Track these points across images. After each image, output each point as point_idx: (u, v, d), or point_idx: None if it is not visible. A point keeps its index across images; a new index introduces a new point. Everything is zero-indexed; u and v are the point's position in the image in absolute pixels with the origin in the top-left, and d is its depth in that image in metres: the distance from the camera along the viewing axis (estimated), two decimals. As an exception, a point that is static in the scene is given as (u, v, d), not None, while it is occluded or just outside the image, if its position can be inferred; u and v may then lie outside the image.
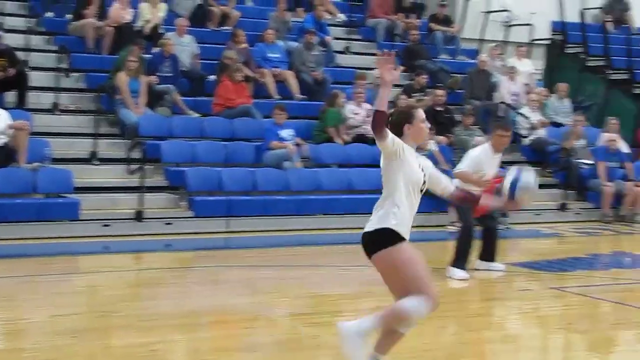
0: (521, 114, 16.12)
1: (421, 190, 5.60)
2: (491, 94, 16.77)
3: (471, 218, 9.60)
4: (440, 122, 15.06)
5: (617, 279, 10.31)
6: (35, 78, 13.84)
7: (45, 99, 13.79)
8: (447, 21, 18.58)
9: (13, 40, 14.23)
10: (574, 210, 14.96)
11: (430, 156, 13.86)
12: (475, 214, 9.69)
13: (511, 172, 6.03)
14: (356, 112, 14.69)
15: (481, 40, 18.78)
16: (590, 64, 19.58)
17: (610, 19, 20.49)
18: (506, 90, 16.79)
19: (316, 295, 8.98)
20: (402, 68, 14.79)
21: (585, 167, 14.99)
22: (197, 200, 12.59)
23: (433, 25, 18.34)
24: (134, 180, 12.57)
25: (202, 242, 11.82)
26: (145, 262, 10.99)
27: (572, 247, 13.01)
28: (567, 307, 8.68)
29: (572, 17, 19.93)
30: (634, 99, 18.49)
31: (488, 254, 10.01)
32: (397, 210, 5.48)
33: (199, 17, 16.33)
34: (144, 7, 15.44)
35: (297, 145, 13.69)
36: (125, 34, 14.76)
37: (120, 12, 15.00)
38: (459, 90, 16.98)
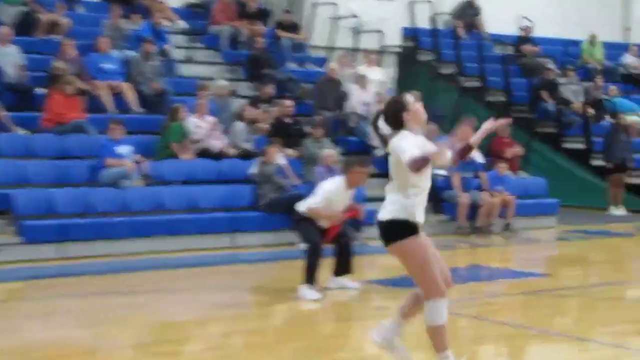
0: (373, 124, 16.38)
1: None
2: (341, 104, 16.99)
3: (316, 236, 9.77)
4: (289, 135, 15.18)
5: (475, 293, 10.60)
6: None
7: None
8: (294, 28, 18.74)
9: None
10: (430, 223, 15.30)
11: (279, 170, 13.99)
12: (326, 240, 9.86)
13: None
14: (199, 126, 14.64)
15: (330, 48, 19.05)
16: (442, 71, 20.18)
17: (461, 25, 21.17)
18: (357, 99, 17.04)
19: (161, 323, 8.88)
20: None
21: (440, 177, 15.41)
22: (26, 225, 12.25)
23: (279, 32, 18.47)
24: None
25: (33, 270, 11.48)
26: (-32, 295, 10.61)
27: (428, 261, 13.28)
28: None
29: (423, 23, 20.48)
30: (487, 107, 19.12)
31: (342, 269, 10.14)
32: (409, 202, 6.23)
33: (24, 25, 15.93)
34: (-39, 14, 14.96)
35: (137, 162, 13.52)
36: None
37: None
38: (308, 101, 17.15)
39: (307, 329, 8.23)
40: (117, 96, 15.19)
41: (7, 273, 11.33)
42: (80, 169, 13.48)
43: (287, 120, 15.55)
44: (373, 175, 15.15)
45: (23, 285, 11.07)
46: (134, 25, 17.10)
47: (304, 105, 16.98)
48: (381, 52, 19.26)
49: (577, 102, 19.79)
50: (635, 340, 8.38)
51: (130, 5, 17.64)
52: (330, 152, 14.39)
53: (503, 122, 6.92)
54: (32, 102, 14.52)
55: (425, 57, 20.54)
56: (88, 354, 7.56)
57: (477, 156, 16.18)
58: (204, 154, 14.44)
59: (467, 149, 6.41)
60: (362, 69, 18.10)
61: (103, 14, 17.00)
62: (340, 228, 10.09)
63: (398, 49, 20.06)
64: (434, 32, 20.30)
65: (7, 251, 11.95)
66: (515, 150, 17.31)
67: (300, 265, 9.86)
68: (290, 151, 14.97)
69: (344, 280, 10.18)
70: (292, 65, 18.18)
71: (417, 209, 6.28)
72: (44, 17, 16.14)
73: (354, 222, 11.77)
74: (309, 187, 13.75)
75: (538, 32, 22.06)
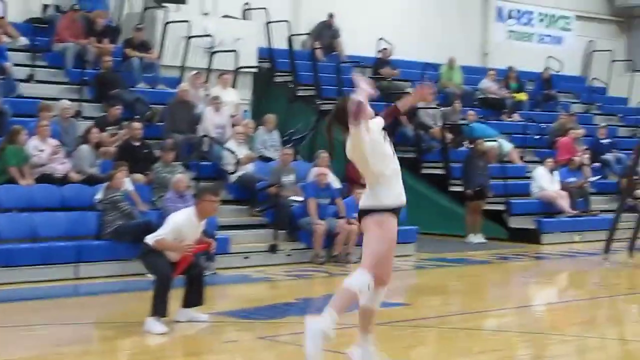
0: (227, 149, 16.36)
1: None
2: (194, 127, 16.88)
3: (165, 268, 9.67)
4: (138, 159, 14.99)
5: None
6: None
7: None
8: (144, 46, 18.54)
9: None
10: (285, 251, 15.34)
11: (127, 197, 13.79)
12: (177, 272, 9.76)
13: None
14: (41, 149, 14.31)
15: (183, 68, 18.90)
16: (300, 93, 20.31)
17: (319, 46, 21.38)
18: (210, 122, 16.96)
19: (-6, 362, 8.59)
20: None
21: (296, 204, 15.47)
22: None
23: (129, 51, 18.25)
24: None
25: None
26: None
27: (282, 292, 13.32)
28: (279, 357, 8.85)
29: (280, 43, 20.59)
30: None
31: (192, 301, 10.04)
32: (376, 191, 7.30)
33: None
34: None
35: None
36: None
37: None
38: (159, 123, 16.99)
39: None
40: (-49, 116, 14.73)
41: None
42: None
43: (136, 143, 15.35)
44: (226, 202, 15.14)
45: None
46: (-30, 41, 16.63)
47: (155, 127, 16.80)
48: (236, 72, 19.26)
49: (436, 127, 20.22)
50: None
51: (-34, 19, 17.16)
52: (181, 177, 14.26)
53: (428, 89, 7.88)
54: None
55: (282, 78, 20.65)
56: None
57: (334, 181, 16.33)
58: (46, 179, 14.10)
59: (396, 110, 7.55)
60: (216, 90, 18.06)
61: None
62: (192, 259, 9.99)
63: (254, 70, 20.10)
64: (291, 53, 20.43)
65: None
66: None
67: (148, 296, 9.72)
68: (138, 176, 14.77)
69: (194, 312, 10.08)
70: (142, 86, 17.98)
71: (385, 195, 7.27)
72: None
73: (206, 252, 11.68)
74: (159, 214, 13.64)
75: (398, 55, 22.48)
